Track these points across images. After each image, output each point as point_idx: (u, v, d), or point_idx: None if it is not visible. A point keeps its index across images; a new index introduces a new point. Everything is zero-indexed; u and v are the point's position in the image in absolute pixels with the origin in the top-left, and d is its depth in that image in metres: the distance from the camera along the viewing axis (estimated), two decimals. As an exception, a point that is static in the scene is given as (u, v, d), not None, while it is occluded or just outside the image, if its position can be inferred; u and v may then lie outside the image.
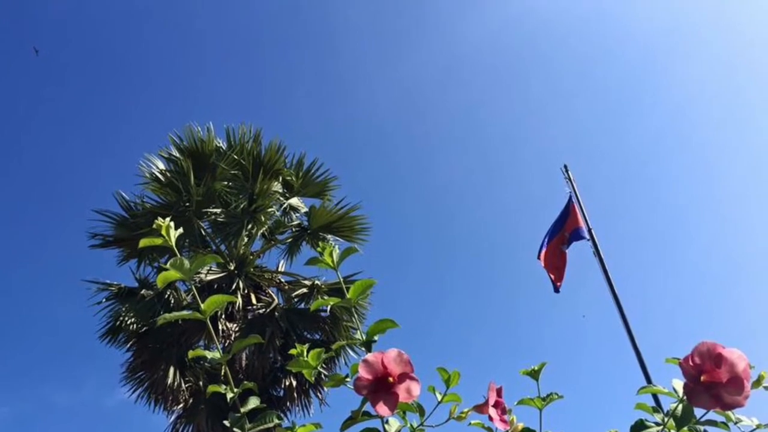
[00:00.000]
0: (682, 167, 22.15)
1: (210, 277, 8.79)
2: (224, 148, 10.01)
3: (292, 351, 1.26)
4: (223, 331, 8.45)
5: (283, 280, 9.92)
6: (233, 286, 8.74)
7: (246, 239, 9.47)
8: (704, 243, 22.25)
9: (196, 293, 1.39)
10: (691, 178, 22.15)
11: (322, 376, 8.97)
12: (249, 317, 8.79)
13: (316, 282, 9.49)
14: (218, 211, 9.36)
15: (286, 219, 10.30)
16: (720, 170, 21.51)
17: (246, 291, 9.01)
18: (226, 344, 8.64)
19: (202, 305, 1.24)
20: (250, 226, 9.40)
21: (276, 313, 8.79)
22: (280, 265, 10.16)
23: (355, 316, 1.83)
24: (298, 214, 10.25)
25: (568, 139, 21.32)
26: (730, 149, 21.90)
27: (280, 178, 10.14)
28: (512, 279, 24.35)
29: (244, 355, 8.35)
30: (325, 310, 9.01)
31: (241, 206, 9.44)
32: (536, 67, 23.06)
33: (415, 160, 23.24)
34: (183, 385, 8.63)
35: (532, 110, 22.57)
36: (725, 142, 21.79)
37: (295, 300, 9.57)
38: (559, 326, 22.27)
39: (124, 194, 9.43)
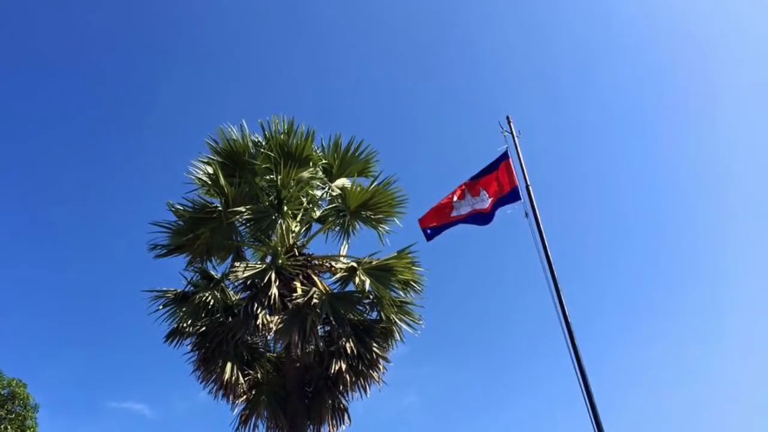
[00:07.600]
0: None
1: (248, 273, 8.81)
2: (260, 141, 10.08)
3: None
4: (263, 324, 8.46)
5: (324, 264, 9.80)
6: (272, 279, 8.73)
7: (284, 230, 9.46)
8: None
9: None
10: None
11: (375, 355, 9.03)
12: (290, 307, 8.76)
13: (353, 264, 9.45)
14: (256, 206, 9.41)
15: (322, 203, 10.32)
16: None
17: (285, 282, 8.99)
18: (269, 336, 8.76)
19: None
20: (287, 217, 9.46)
21: (316, 300, 8.75)
22: (322, 249, 10.14)
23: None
24: (334, 197, 10.16)
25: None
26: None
27: (320, 164, 10.14)
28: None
29: (293, 344, 8.40)
30: (366, 291, 9.04)
31: (276, 199, 9.48)
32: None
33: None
34: (242, 378, 8.78)
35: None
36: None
37: (336, 283, 9.56)
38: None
39: (172, 202, 9.47)
